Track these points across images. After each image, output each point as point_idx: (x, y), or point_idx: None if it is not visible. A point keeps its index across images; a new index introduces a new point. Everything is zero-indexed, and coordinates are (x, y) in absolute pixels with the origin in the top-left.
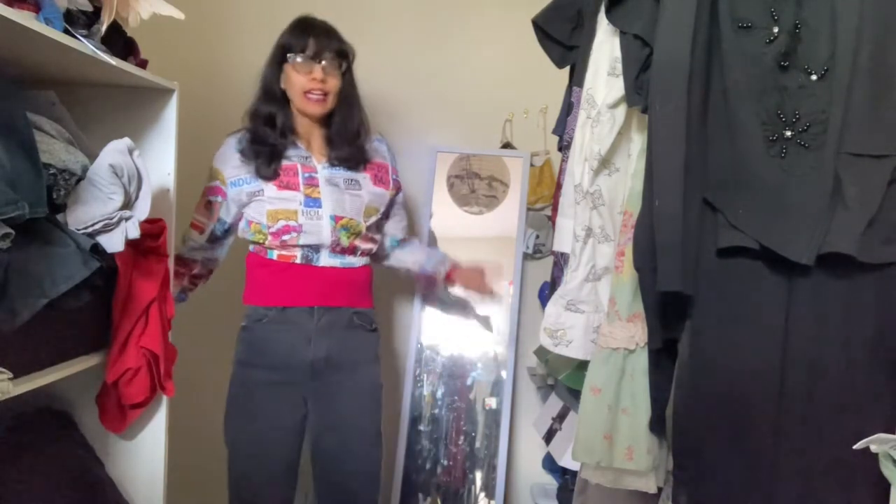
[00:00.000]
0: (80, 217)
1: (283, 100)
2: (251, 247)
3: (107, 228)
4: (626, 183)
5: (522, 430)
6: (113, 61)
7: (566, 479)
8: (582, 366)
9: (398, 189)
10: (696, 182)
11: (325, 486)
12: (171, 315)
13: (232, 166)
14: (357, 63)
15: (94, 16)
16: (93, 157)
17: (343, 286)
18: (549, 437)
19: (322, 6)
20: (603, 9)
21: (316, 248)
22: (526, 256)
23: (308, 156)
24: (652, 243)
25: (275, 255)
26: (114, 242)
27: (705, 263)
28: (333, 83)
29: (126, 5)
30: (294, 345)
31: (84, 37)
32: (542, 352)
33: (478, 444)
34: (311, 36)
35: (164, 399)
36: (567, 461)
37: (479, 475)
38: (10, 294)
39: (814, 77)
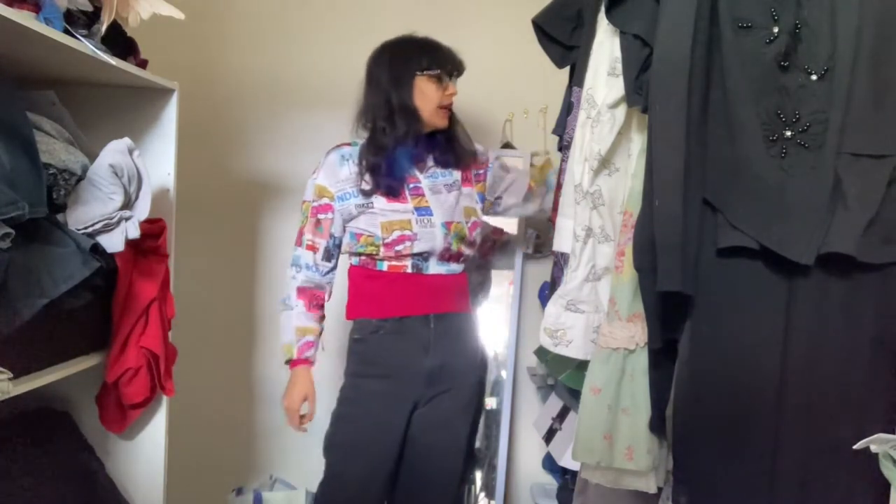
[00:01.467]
0: (80, 217)
1: (417, 115)
2: (354, 260)
3: (107, 228)
4: (626, 183)
5: (522, 430)
6: (113, 61)
7: (566, 479)
8: (582, 366)
9: (485, 166)
10: (696, 182)
11: (408, 483)
12: (172, 315)
13: (337, 180)
14: (356, 62)
15: (94, 16)
16: (93, 157)
17: (451, 293)
18: (549, 437)
19: (322, 6)
20: (603, 9)
21: (426, 257)
22: (526, 256)
23: (410, 166)
24: (652, 243)
25: (385, 266)
26: (114, 242)
27: (705, 263)
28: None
29: (126, 5)
30: (412, 354)
31: (84, 37)
32: (542, 352)
33: (478, 444)
34: (441, 53)
35: (164, 399)
36: (567, 461)
37: (479, 475)
38: (11, 294)
39: (814, 77)
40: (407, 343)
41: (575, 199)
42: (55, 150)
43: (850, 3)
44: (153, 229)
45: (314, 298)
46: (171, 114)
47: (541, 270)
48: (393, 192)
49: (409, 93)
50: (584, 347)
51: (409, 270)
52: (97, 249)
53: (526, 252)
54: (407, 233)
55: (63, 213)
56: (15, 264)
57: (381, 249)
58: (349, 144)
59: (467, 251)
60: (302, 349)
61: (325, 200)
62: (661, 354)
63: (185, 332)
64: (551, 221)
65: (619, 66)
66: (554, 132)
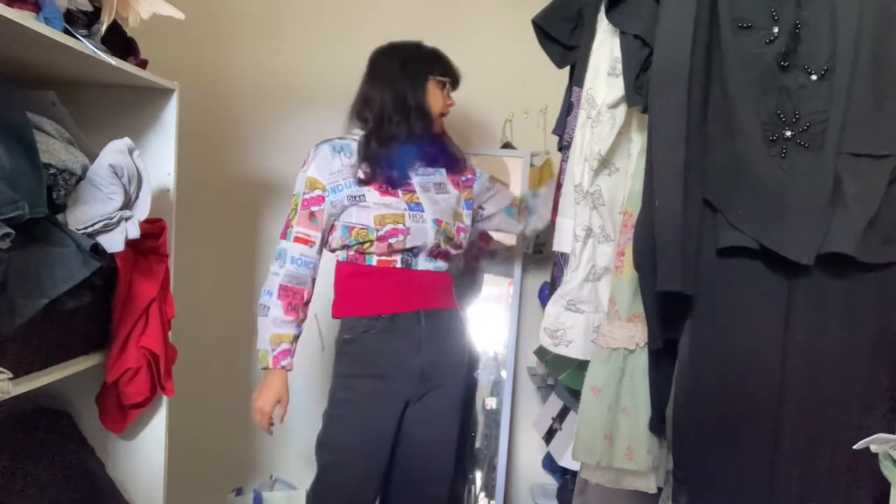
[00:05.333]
0: (80, 217)
1: (429, 116)
2: (341, 255)
3: (107, 228)
4: (626, 183)
5: (522, 430)
6: (113, 61)
7: (566, 479)
8: (582, 366)
9: (472, 173)
10: (696, 182)
11: (401, 481)
12: (171, 315)
13: (329, 172)
14: (356, 62)
15: (94, 16)
16: (93, 157)
17: (439, 289)
18: (549, 437)
19: (322, 5)
20: (603, 9)
21: (416, 252)
22: (526, 256)
23: (414, 162)
24: (652, 243)
25: (374, 260)
26: (114, 242)
27: (705, 263)
28: None
29: (126, 5)
30: (404, 353)
31: (84, 37)
32: (542, 352)
33: (478, 444)
34: (450, 64)
35: (164, 399)
36: (567, 461)
37: (479, 475)
38: (10, 294)
39: (814, 77)
40: (399, 342)
41: (575, 199)
42: (55, 150)
43: (850, 3)
44: (153, 229)
45: (295, 298)
46: (171, 114)
47: (541, 270)
48: (393, 184)
49: (424, 94)
50: (584, 347)
51: (399, 266)
52: (97, 249)
53: (526, 252)
54: (400, 226)
55: (63, 213)
56: (15, 264)
57: (374, 244)
58: (340, 138)
59: (453, 251)
60: (278, 358)
61: (318, 192)
62: (661, 354)
63: (185, 332)
64: (551, 221)
65: (619, 66)
66: (554, 132)
